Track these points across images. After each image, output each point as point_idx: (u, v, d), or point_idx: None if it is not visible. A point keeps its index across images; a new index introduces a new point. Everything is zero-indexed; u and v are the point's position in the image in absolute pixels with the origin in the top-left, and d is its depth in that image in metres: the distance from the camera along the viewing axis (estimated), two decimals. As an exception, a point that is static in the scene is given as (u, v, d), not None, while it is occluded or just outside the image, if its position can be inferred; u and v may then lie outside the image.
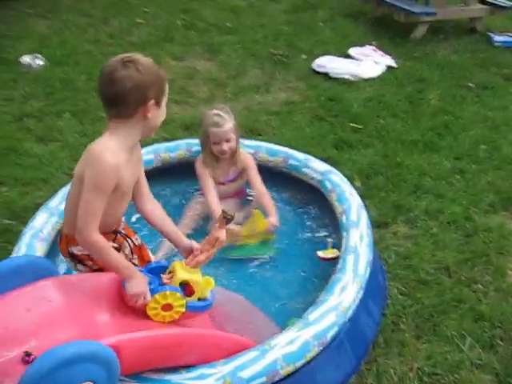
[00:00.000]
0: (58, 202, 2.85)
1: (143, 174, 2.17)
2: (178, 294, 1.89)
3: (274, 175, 3.14)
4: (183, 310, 1.91)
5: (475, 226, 3.03)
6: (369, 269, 2.41)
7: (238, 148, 3.01)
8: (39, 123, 4.16)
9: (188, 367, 1.99)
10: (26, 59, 4.83)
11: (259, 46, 5.18)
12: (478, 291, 2.64)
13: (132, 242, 2.23)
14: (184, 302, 1.90)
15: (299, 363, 2.05)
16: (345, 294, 2.24)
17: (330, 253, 2.65)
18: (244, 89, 4.56)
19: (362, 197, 3.18)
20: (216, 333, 2.05)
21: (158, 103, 1.97)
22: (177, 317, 1.92)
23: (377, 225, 3.04)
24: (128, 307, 1.93)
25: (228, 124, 2.92)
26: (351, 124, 3.98)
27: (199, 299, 1.97)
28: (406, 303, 2.57)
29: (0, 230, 3.00)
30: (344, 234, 2.57)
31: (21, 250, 2.47)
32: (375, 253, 2.71)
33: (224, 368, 1.97)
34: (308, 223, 2.98)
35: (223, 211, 1.99)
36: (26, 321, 1.78)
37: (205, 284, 1.96)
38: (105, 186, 1.90)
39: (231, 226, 2.48)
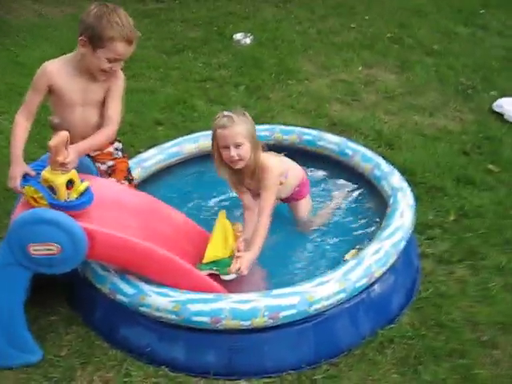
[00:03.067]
0: (170, 144, 3.47)
1: (111, 104, 2.55)
2: (34, 189, 2.21)
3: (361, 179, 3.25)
4: (46, 202, 2.20)
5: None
6: (365, 281, 2.40)
7: (256, 160, 2.67)
8: (217, 88, 4.82)
9: (159, 285, 2.35)
10: (238, 36, 5.57)
11: (453, 72, 5.01)
12: (491, 356, 2.39)
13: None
14: (41, 195, 2.19)
15: (245, 323, 2.22)
16: (320, 287, 2.31)
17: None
18: (410, 107, 4.51)
19: (444, 229, 3.10)
20: (187, 265, 2.33)
21: (93, 48, 2.38)
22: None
23: (439, 259, 2.92)
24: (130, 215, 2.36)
25: (238, 126, 2.59)
26: (490, 165, 3.72)
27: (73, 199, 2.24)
28: (407, 334, 2.47)
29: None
30: (369, 242, 2.59)
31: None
32: (402, 279, 2.67)
33: (181, 296, 2.28)
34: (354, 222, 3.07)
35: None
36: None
37: (80, 187, 2.24)
38: (35, 83, 2.48)
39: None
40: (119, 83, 2.59)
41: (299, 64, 5.19)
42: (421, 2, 6.67)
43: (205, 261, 2.47)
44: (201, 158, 3.45)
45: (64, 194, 2.22)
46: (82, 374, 2.35)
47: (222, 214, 2.67)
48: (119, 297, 2.35)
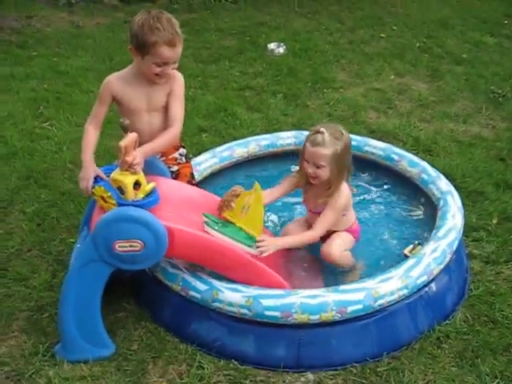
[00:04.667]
0: (222, 148, 3.60)
1: (173, 106, 2.63)
2: (103, 188, 2.34)
3: (408, 183, 3.37)
4: (114, 202, 2.32)
5: None
6: (425, 278, 2.52)
7: (335, 183, 2.64)
8: (256, 96, 4.98)
9: (229, 280, 2.48)
10: (271, 46, 5.74)
11: (483, 81, 5.17)
12: (545, 350, 2.51)
13: None
14: (109, 194, 2.32)
15: (313, 317, 2.34)
16: (383, 284, 2.42)
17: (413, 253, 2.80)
18: (443, 114, 4.67)
19: (489, 232, 3.22)
20: (258, 263, 2.45)
21: (141, 55, 2.50)
22: (113, 207, 2.33)
23: (486, 260, 3.04)
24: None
25: (326, 149, 2.57)
26: (527, 172, 3.84)
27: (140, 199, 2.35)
28: (463, 330, 2.59)
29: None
30: (425, 243, 2.72)
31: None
32: (455, 277, 2.78)
33: (253, 291, 2.40)
34: (409, 227, 3.18)
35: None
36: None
37: (146, 188, 2.37)
38: (100, 95, 2.65)
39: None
40: (179, 84, 2.66)
41: (333, 73, 5.36)
42: (446, 14, 6.86)
43: (224, 215, 2.60)
44: (250, 161, 3.64)
45: (131, 194, 2.34)
46: (154, 367, 2.47)
47: (258, 188, 2.60)
48: (191, 293, 2.47)
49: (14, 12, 6.98)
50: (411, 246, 2.89)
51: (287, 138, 3.71)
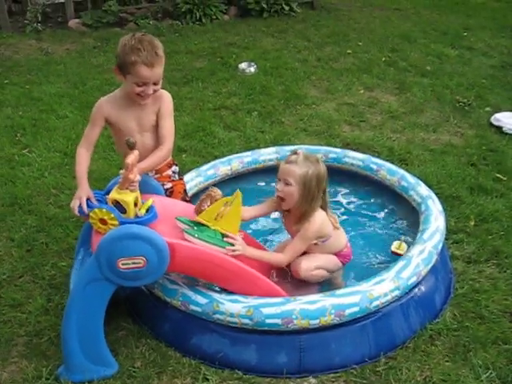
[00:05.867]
0: (207, 166, 3.69)
1: (163, 124, 2.71)
2: (105, 211, 2.39)
3: (388, 191, 3.52)
4: (116, 222, 2.39)
5: None
6: (415, 278, 2.64)
7: (304, 208, 2.69)
8: (231, 115, 5.09)
9: (229, 292, 2.55)
10: (242, 65, 5.88)
11: (448, 91, 5.41)
12: (531, 341, 2.65)
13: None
14: (112, 216, 2.38)
15: (313, 322, 2.43)
16: (378, 286, 2.53)
17: (401, 249, 2.99)
18: (414, 125, 4.86)
19: (467, 233, 3.38)
20: (256, 273, 2.53)
21: (123, 75, 2.61)
22: (112, 227, 2.39)
23: (468, 260, 3.19)
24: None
25: (297, 168, 2.65)
26: (497, 174, 4.04)
27: (143, 214, 2.43)
28: (453, 327, 2.71)
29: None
30: (411, 246, 2.84)
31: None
32: (441, 277, 2.91)
33: (252, 301, 2.47)
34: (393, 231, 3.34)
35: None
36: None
37: (147, 203, 2.45)
38: (92, 118, 2.73)
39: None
40: (166, 102, 2.75)
41: (305, 90, 5.51)
42: (408, 28, 7.15)
43: (198, 218, 2.57)
44: (234, 178, 3.73)
45: (133, 212, 2.43)
46: (159, 383, 2.50)
47: (239, 195, 2.61)
48: (192, 307, 2.53)
49: (-20, 41, 6.96)
50: (398, 242, 3.07)
51: (269, 154, 3.82)
